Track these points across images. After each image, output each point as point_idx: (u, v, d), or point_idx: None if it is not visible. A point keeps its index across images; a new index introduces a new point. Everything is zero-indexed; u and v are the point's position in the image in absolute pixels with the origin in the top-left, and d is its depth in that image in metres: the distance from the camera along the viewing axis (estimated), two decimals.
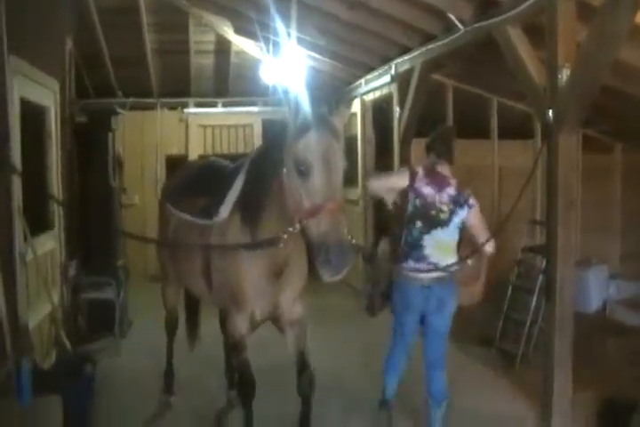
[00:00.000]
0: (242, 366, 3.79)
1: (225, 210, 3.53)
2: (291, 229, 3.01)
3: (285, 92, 3.12)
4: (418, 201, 3.93)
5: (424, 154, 4.21)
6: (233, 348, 3.89)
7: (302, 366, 3.76)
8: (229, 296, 3.60)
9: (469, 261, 4.08)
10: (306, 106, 2.92)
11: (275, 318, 3.80)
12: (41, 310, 5.14)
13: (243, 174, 3.55)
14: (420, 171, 4.01)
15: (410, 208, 3.95)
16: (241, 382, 3.85)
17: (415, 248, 3.96)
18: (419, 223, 3.93)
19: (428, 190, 3.93)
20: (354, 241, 3.12)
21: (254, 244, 3.38)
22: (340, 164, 2.89)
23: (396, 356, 4.34)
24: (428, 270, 3.91)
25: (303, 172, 2.82)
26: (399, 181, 4.03)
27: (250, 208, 3.39)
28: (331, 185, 2.81)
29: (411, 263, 3.96)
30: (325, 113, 2.94)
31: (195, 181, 4.31)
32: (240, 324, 3.62)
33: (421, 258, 3.96)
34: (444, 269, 3.90)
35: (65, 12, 6.84)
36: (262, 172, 3.30)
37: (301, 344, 3.81)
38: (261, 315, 3.64)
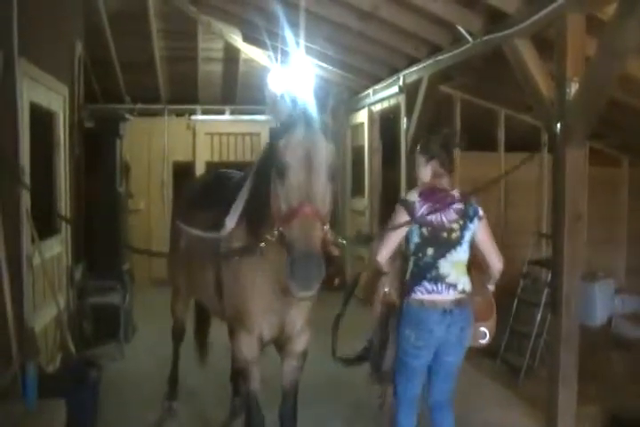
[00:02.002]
0: (249, 399, 3.46)
1: (230, 222, 3.31)
2: (268, 236, 2.76)
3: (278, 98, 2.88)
4: (425, 230, 3.40)
5: (421, 162, 3.65)
6: (239, 374, 3.70)
7: (288, 397, 3.55)
8: (235, 314, 3.39)
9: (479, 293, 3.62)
10: (289, 102, 2.74)
11: (281, 343, 3.54)
12: (47, 313, 5.15)
13: (248, 184, 3.38)
14: (416, 197, 3.45)
15: (415, 239, 3.43)
16: (247, 416, 3.50)
17: (429, 270, 3.40)
18: (430, 251, 3.40)
19: (432, 216, 3.39)
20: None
21: (230, 251, 3.21)
22: (323, 165, 2.61)
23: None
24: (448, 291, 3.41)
25: (281, 173, 2.61)
26: (403, 226, 3.43)
27: (255, 219, 3.17)
28: (309, 188, 2.55)
29: (426, 285, 3.40)
30: (310, 109, 2.70)
31: (202, 196, 4.21)
32: (247, 347, 3.37)
33: (439, 279, 3.40)
34: (463, 292, 3.43)
35: (75, 16, 6.90)
36: (264, 180, 3.01)
37: (297, 376, 3.59)
38: (269, 335, 3.38)
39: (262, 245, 2.89)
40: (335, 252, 3.30)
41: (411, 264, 3.46)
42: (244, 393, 3.58)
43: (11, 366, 3.80)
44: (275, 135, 2.81)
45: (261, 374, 3.46)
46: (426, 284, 3.39)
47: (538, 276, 6.45)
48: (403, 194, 7.52)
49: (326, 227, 2.62)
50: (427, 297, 3.38)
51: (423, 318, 3.38)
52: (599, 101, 4.13)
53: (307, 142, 2.61)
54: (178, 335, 5.01)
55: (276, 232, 2.66)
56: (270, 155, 2.86)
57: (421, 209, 3.39)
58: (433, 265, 3.40)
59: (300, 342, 3.53)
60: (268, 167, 2.88)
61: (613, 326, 7.19)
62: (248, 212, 3.28)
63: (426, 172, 3.60)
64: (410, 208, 3.41)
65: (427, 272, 3.40)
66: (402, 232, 3.45)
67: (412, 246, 3.46)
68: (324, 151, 2.63)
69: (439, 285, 3.40)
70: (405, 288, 3.45)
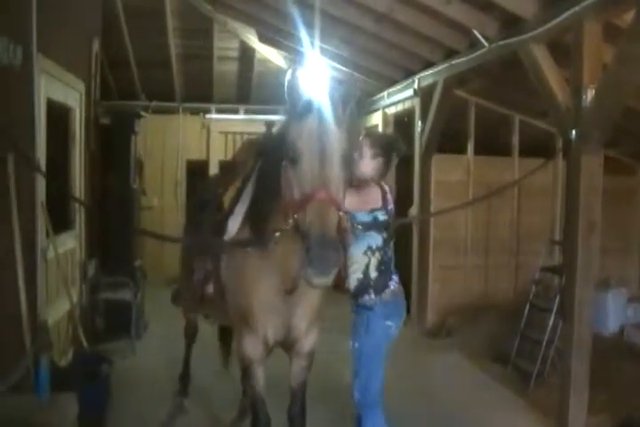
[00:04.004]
0: (254, 399, 3.40)
1: (233, 225, 3.29)
2: (283, 224, 2.68)
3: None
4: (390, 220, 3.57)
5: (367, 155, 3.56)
6: (244, 376, 3.66)
7: (296, 397, 3.50)
8: (239, 314, 3.32)
9: None
10: (302, 90, 2.69)
11: (288, 345, 3.46)
12: (59, 307, 5.20)
13: (252, 184, 3.33)
14: (387, 188, 3.60)
15: (384, 234, 3.55)
16: (254, 417, 3.41)
17: (392, 263, 3.66)
18: (391, 245, 3.63)
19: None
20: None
21: (241, 241, 3.17)
22: (336, 151, 2.57)
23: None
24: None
25: (294, 160, 2.57)
26: (372, 202, 3.51)
27: (259, 220, 3.11)
28: (323, 174, 2.51)
29: (394, 278, 3.64)
30: (323, 97, 2.65)
31: (209, 199, 4.11)
32: (250, 347, 3.30)
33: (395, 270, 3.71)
34: None
35: (92, 14, 6.97)
36: (270, 179, 2.95)
37: (304, 376, 3.53)
38: (274, 337, 3.31)
39: (277, 234, 2.84)
40: (350, 240, 3.31)
41: (377, 260, 3.52)
42: (250, 394, 3.51)
43: (24, 359, 3.83)
44: (287, 123, 2.78)
45: (269, 375, 3.42)
46: (394, 277, 3.61)
47: (550, 282, 6.44)
48: (415, 197, 7.53)
49: (342, 213, 2.59)
50: (396, 287, 3.60)
51: (399, 305, 3.64)
52: (615, 109, 4.13)
53: (319, 129, 2.58)
54: (190, 335, 4.98)
55: (290, 221, 2.59)
56: (280, 144, 2.78)
57: (391, 205, 3.54)
58: (391, 259, 3.61)
59: (307, 343, 3.48)
60: (275, 159, 2.82)
61: (625, 335, 7.13)
62: (254, 210, 3.22)
63: (370, 165, 3.54)
64: (384, 195, 3.51)
65: (392, 265, 3.61)
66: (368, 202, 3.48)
67: (379, 242, 3.50)
68: (337, 137, 2.59)
69: (396, 275, 3.65)
70: (378, 285, 3.53)
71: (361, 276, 3.55)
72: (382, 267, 3.55)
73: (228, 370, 5.14)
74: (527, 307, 6.09)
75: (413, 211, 7.49)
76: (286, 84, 2.71)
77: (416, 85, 7.28)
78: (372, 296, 3.53)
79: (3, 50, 3.86)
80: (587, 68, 4.14)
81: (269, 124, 3.89)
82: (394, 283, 3.60)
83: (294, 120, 2.66)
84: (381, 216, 3.49)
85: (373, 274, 3.54)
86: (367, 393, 3.62)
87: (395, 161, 3.63)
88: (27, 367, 3.76)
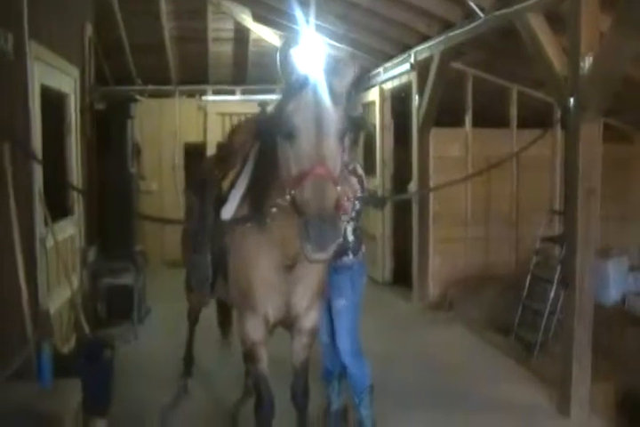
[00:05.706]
0: (257, 379, 3.42)
1: (232, 203, 3.30)
2: (280, 200, 2.73)
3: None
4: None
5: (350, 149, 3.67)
6: (246, 357, 3.70)
7: (299, 375, 3.52)
8: (240, 293, 3.35)
9: None
10: (295, 63, 2.67)
11: (289, 323, 3.48)
12: (61, 295, 5.21)
13: (251, 163, 3.33)
14: (360, 170, 3.92)
15: (357, 206, 3.88)
16: (257, 397, 3.44)
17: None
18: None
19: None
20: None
21: (237, 219, 3.20)
22: (332, 127, 2.55)
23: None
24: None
25: (291, 136, 2.55)
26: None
27: (258, 197, 3.13)
28: (320, 149, 2.50)
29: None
30: (320, 72, 2.64)
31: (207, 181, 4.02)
32: (252, 328, 3.32)
33: None
34: None
35: None
36: (268, 157, 2.92)
37: (306, 354, 3.55)
38: (275, 316, 3.32)
39: (274, 210, 2.88)
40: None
41: (352, 226, 3.88)
42: (253, 375, 3.54)
43: (25, 347, 3.84)
44: (283, 99, 2.73)
45: (272, 354, 3.42)
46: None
47: (551, 252, 6.43)
48: (414, 172, 7.50)
49: (339, 188, 2.56)
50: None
51: (365, 266, 4.16)
52: (614, 77, 4.10)
53: (316, 104, 2.55)
54: (193, 318, 5.00)
55: (287, 197, 2.60)
56: (277, 122, 2.74)
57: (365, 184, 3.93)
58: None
59: (308, 320, 3.48)
60: (272, 137, 2.78)
61: (627, 304, 7.12)
62: (253, 187, 3.23)
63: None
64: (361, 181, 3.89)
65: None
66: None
67: (354, 214, 3.85)
68: (334, 112, 2.57)
69: None
70: (355, 247, 3.92)
71: (340, 239, 3.70)
72: (357, 232, 3.93)
73: (228, 340, 5.17)
74: (528, 277, 6.11)
75: (412, 186, 7.47)
76: (278, 57, 2.67)
77: (412, 59, 7.22)
78: (351, 257, 3.90)
79: None
80: (584, 35, 4.10)
81: (263, 104, 3.86)
82: (363, 246, 4.04)
83: (290, 96, 2.63)
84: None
85: (350, 238, 3.87)
86: (354, 343, 3.98)
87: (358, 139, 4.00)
88: (28, 355, 3.77)
